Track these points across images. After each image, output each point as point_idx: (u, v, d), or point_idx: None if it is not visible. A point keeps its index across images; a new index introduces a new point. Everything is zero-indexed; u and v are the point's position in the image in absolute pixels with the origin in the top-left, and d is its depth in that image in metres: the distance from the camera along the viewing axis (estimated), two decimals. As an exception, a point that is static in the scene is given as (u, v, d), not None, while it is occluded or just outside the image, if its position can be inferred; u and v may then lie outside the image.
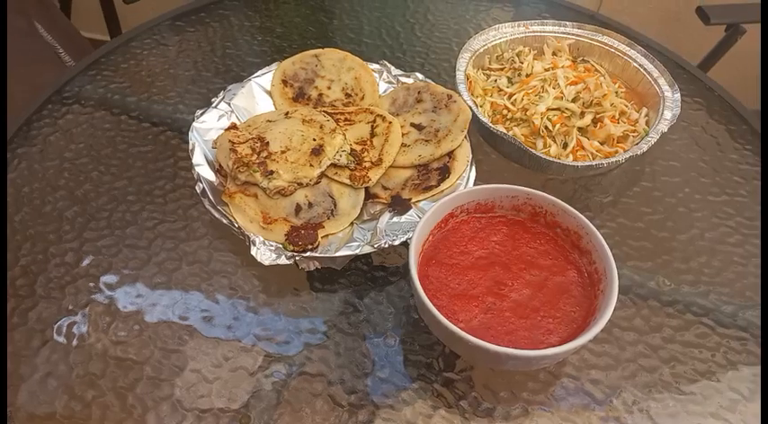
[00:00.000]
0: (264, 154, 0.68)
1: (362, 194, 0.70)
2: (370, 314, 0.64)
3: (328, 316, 0.63)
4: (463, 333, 0.51)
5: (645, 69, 0.84)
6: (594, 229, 0.59)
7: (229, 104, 0.77)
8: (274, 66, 0.83)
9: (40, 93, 0.84)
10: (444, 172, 0.71)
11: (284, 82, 0.82)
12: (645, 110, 0.81)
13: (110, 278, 0.65)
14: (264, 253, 0.63)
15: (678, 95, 0.79)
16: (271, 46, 0.95)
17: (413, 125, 0.77)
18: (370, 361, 0.60)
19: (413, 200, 0.69)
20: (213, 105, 0.77)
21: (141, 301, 0.64)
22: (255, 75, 0.82)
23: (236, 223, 0.65)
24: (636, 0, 1.77)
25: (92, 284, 0.65)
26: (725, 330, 0.64)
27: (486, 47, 0.87)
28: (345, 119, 0.77)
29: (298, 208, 0.67)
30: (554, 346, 0.53)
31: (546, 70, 0.84)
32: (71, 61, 1.22)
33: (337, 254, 0.63)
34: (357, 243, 0.65)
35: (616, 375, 0.60)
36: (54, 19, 1.27)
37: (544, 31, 0.90)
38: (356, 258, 0.65)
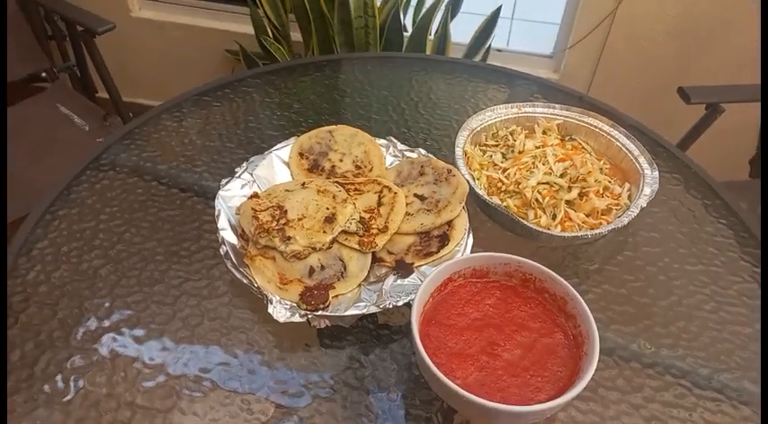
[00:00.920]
0: (283, 221, 0.76)
1: (369, 258, 0.77)
2: (375, 370, 0.69)
3: (336, 371, 0.69)
4: (460, 390, 0.57)
5: (627, 148, 0.93)
6: (578, 295, 0.66)
7: (251, 174, 0.86)
8: (292, 139, 0.92)
9: (80, 162, 0.93)
10: (444, 240, 0.79)
11: (301, 154, 0.91)
12: (627, 186, 0.89)
13: (138, 332, 0.72)
14: (280, 311, 0.69)
15: (657, 173, 0.87)
16: (288, 120, 1.05)
17: (416, 195, 0.85)
18: (374, 414, 0.65)
19: (415, 265, 0.76)
20: (237, 175, 0.85)
21: (166, 354, 0.70)
22: (275, 147, 0.91)
23: (256, 283, 0.72)
24: (622, 82, 1.91)
25: (122, 337, 0.71)
26: (701, 391, 0.69)
27: (482, 125, 0.96)
28: (355, 189, 0.85)
29: (311, 271, 0.74)
30: (542, 403, 0.59)
31: (537, 147, 0.93)
32: (84, 124, 1.36)
33: (346, 313, 0.70)
34: (364, 303, 0.71)
35: (601, 431, 0.65)
36: (69, 95, 1.44)
37: (535, 112, 0.99)
38: (363, 317, 0.71)
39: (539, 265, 0.69)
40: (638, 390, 0.69)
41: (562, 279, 0.67)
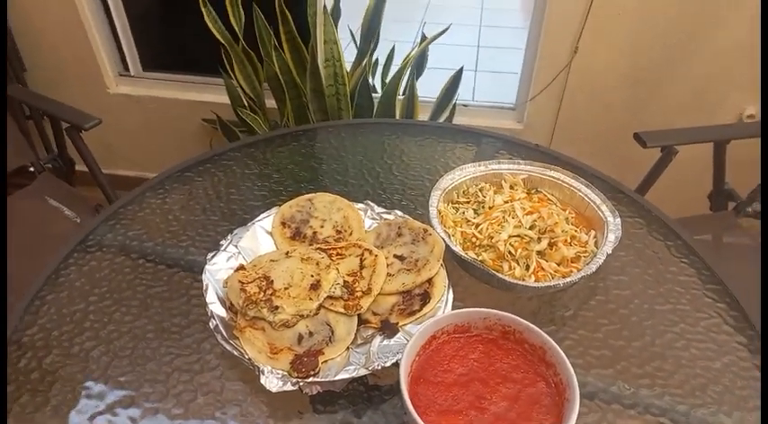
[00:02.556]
0: (270, 291, 0.79)
1: (356, 321, 0.80)
2: (368, 432, 0.71)
3: (330, 436, 0.71)
4: (451, 447, 0.60)
5: (589, 198, 0.99)
6: (555, 344, 0.69)
7: (236, 246, 0.89)
8: (274, 209, 0.97)
9: (66, 245, 0.95)
10: (425, 297, 0.82)
11: (283, 223, 0.95)
12: (593, 233, 0.95)
13: (133, 412, 0.72)
14: (272, 381, 0.71)
15: (618, 220, 0.93)
16: (269, 190, 1.09)
17: (396, 256, 0.89)
18: (370, 477, 0.67)
19: (400, 324, 0.79)
20: (222, 248, 0.89)
21: (161, 432, 0.71)
22: (258, 218, 0.95)
23: (247, 355, 0.74)
24: (582, 128, 2.03)
25: (116, 418, 0.72)
26: (681, 428, 0.72)
27: (453, 184, 1.02)
28: (337, 254, 0.89)
29: (300, 338, 0.77)
30: (530, 454, 0.61)
31: (505, 202, 0.99)
32: (75, 216, 1.39)
33: (337, 378, 0.72)
34: (354, 367, 0.74)
35: (589, 475, 0.67)
36: (58, 187, 1.47)
37: (501, 169, 1.06)
38: (353, 380, 0.73)
39: (515, 317, 0.72)
40: None
41: (539, 330, 0.71)
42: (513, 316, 0.73)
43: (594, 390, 0.77)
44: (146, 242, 0.98)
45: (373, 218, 0.97)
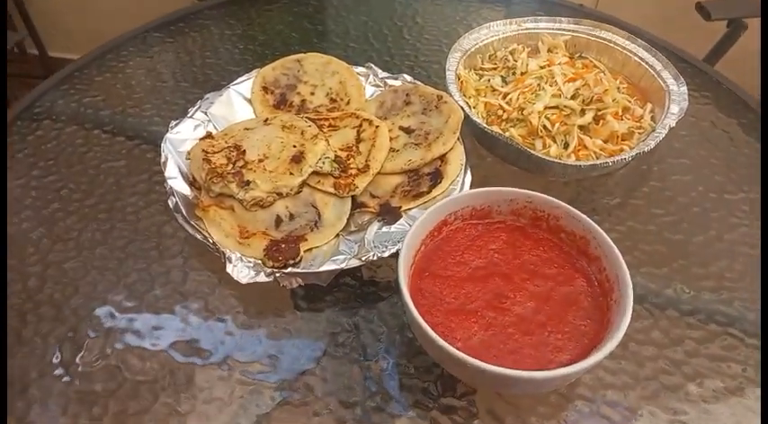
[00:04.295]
0: (240, 163, 0.63)
1: (348, 203, 0.64)
2: (360, 335, 0.58)
3: (313, 338, 0.58)
4: (461, 354, 0.46)
5: (647, 63, 0.80)
6: (603, 233, 0.54)
7: (206, 113, 0.73)
8: (255, 72, 0.79)
9: (9, 112, 0.79)
10: (436, 178, 0.66)
11: (265, 88, 0.77)
12: (649, 106, 0.76)
13: (75, 302, 0.60)
14: (242, 271, 0.57)
15: (684, 88, 0.74)
16: (253, 54, 0.91)
17: (401, 128, 0.72)
18: (360, 387, 0.54)
19: (403, 209, 0.64)
20: (189, 115, 0.72)
21: (110, 326, 0.58)
22: (234, 82, 0.77)
23: (211, 238, 0.59)
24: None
25: (55, 311, 0.59)
26: (753, 340, 0.57)
27: (477, 46, 0.82)
28: (330, 125, 0.72)
29: (278, 221, 0.62)
30: (564, 365, 0.47)
31: (542, 67, 0.79)
32: None
33: (322, 269, 0.58)
34: (343, 256, 0.59)
35: (635, 395, 0.54)
36: None
37: (538, 28, 0.85)
38: (343, 273, 0.59)
39: (552, 199, 0.57)
40: (677, 343, 0.57)
41: (582, 214, 0.55)
42: (547, 197, 0.57)
43: (644, 292, 0.62)
44: (103, 110, 0.81)
45: (376, 85, 0.79)
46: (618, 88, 0.77)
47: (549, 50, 0.84)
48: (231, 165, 0.62)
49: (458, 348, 0.47)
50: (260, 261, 0.58)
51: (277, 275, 0.57)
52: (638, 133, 0.73)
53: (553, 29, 0.85)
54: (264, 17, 0.99)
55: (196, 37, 0.94)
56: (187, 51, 0.91)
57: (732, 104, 0.83)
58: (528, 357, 0.50)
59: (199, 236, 0.60)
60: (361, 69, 0.80)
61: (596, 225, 0.54)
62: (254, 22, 0.97)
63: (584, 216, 0.55)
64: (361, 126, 0.71)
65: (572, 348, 0.50)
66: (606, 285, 0.53)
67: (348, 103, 0.76)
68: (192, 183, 0.65)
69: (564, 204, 0.56)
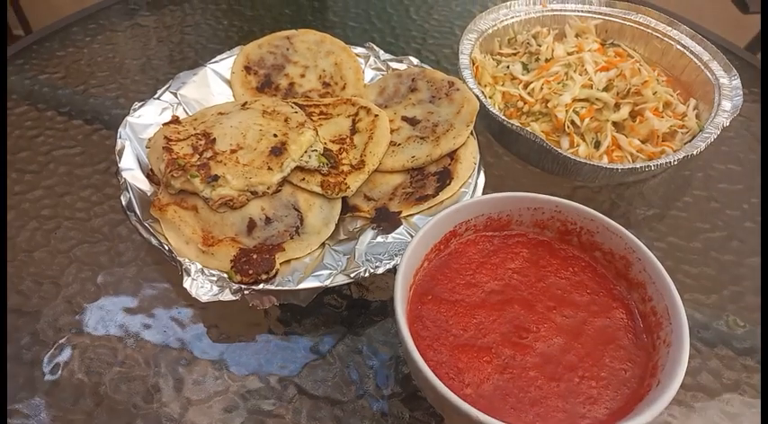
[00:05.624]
0: (208, 154, 0.52)
1: (338, 207, 0.54)
2: (345, 368, 0.48)
3: (287, 371, 0.47)
4: (468, 407, 0.36)
5: (692, 52, 0.69)
6: (650, 254, 0.44)
7: (176, 95, 0.63)
8: (237, 49, 0.68)
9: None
10: (444, 178, 0.56)
11: (247, 68, 0.67)
12: (694, 102, 0.66)
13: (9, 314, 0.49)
14: (202, 286, 0.47)
15: (738, 81, 0.65)
16: (238, 31, 0.81)
17: (405, 119, 0.61)
18: (342, 436, 0.44)
19: (403, 214, 0.54)
20: (156, 96, 0.61)
21: (42, 347, 0.47)
22: (212, 60, 0.67)
23: (167, 244, 0.49)
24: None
25: (-24, 326, 0.49)
26: (828, 389, 0.47)
27: (495, 27, 0.72)
28: (320, 113, 0.61)
29: (251, 225, 0.51)
30: (600, 422, 0.37)
31: (569, 54, 0.69)
32: None
33: (301, 286, 0.48)
34: (328, 272, 0.49)
35: (685, 458, 0.43)
36: None
37: (565, 10, 0.75)
38: (327, 291, 0.49)
39: (587, 208, 0.46)
40: (732, 389, 0.48)
41: (623, 229, 0.44)
42: (581, 206, 0.47)
43: (691, 324, 0.51)
44: (62, 89, 0.71)
45: (377, 68, 0.69)
46: (657, 80, 0.66)
47: (577, 35, 0.74)
48: (197, 156, 0.52)
49: (466, 397, 0.38)
50: (225, 275, 0.47)
51: (246, 293, 0.47)
52: (682, 133, 0.62)
53: (582, 11, 0.75)
54: (254, -9, 0.88)
55: (176, 10, 0.84)
56: (164, 25, 0.81)
57: (787, 103, 0.72)
58: (554, 409, 0.40)
59: (154, 241, 0.50)
60: (360, 50, 0.71)
61: (642, 244, 0.43)
62: (242, -4, 0.87)
63: (627, 232, 0.45)
64: (357, 114, 0.61)
65: (609, 400, 0.40)
66: (652, 318, 0.43)
67: (343, 88, 0.66)
68: (151, 177, 0.54)
69: (601, 215, 0.46)
